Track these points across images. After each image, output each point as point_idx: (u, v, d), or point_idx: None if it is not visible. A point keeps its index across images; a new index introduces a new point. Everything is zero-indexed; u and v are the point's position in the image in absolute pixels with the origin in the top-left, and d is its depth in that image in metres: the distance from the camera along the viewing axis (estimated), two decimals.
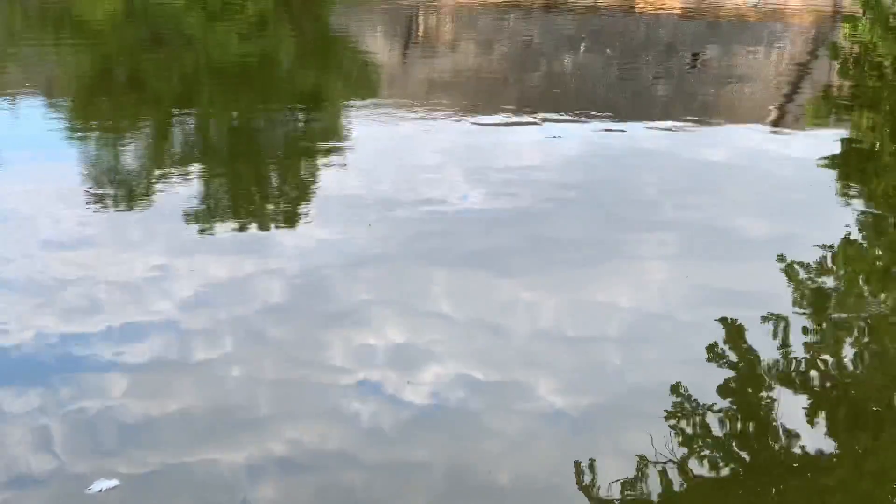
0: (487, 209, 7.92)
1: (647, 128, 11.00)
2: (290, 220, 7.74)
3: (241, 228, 7.44)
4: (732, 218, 7.93)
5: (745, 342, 5.70)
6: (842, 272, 6.94)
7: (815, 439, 4.80)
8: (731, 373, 5.41)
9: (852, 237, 7.51)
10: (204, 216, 7.59)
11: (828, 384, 5.40)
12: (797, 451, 4.72)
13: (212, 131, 10.85)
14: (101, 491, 4.06)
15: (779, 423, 4.94)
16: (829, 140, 10.68)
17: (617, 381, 5.35)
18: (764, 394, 5.26)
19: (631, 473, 4.46)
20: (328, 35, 18.70)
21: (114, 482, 4.13)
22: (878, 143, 10.67)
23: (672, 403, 5.04)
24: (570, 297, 6.36)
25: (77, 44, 16.08)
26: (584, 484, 4.37)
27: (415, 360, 5.40)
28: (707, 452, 4.69)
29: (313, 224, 7.56)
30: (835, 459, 4.68)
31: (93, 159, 9.23)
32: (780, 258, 6.88)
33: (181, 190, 8.17)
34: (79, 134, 10.15)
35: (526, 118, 11.27)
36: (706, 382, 5.24)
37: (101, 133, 10.28)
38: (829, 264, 6.98)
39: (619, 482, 4.39)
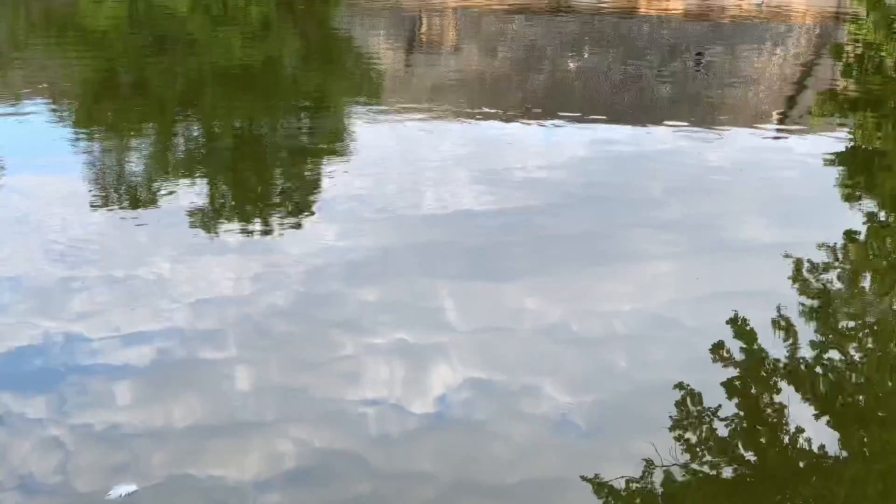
0: (492, 211, 7.94)
1: (652, 129, 11.02)
2: (295, 222, 7.75)
3: (246, 232, 7.46)
4: (738, 218, 7.95)
5: (752, 343, 5.71)
6: (848, 272, 6.96)
7: (823, 441, 4.81)
8: (737, 374, 5.42)
9: (858, 238, 7.53)
10: (209, 219, 7.62)
11: (835, 385, 5.41)
12: (805, 452, 4.73)
13: (216, 135, 10.87)
14: (121, 496, 4.07)
15: (786, 424, 4.95)
16: (834, 140, 10.69)
17: (623, 382, 5.36)
18: (771, 395, 5.27)
19: (638, 477, 4.48)
20: (331, 38, 18.73)
21: (132, 486, 4.14)
22: (882, 144, 10.68)
23: (678, 405, 5.05)
24: (575, 299, 6.38)
25: (81, 49, 16.12)
26: (591, 488, 4.39)
27: (421, 363, 5.43)
28: (714, 455, 4.70)
29: (318, 226, 7.58)
30: (843, 461, 4.69)
31: (99, 164, 9.26)
32: (787, 258, 6.90)
33: (186, 193, 8.19)
34: (84, 138, 10.19)
35: (530, 120, 11.30)
36: (712, 384, 5.25)
37: (107, 137, 10.32)
38: (836, 265, 7.00)
39: (626, 486, 4.41)
